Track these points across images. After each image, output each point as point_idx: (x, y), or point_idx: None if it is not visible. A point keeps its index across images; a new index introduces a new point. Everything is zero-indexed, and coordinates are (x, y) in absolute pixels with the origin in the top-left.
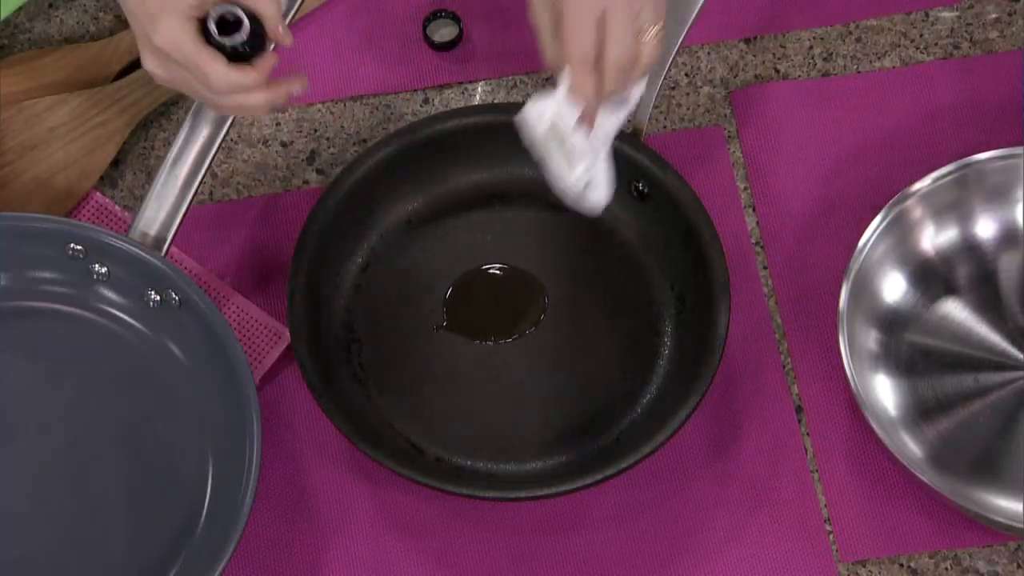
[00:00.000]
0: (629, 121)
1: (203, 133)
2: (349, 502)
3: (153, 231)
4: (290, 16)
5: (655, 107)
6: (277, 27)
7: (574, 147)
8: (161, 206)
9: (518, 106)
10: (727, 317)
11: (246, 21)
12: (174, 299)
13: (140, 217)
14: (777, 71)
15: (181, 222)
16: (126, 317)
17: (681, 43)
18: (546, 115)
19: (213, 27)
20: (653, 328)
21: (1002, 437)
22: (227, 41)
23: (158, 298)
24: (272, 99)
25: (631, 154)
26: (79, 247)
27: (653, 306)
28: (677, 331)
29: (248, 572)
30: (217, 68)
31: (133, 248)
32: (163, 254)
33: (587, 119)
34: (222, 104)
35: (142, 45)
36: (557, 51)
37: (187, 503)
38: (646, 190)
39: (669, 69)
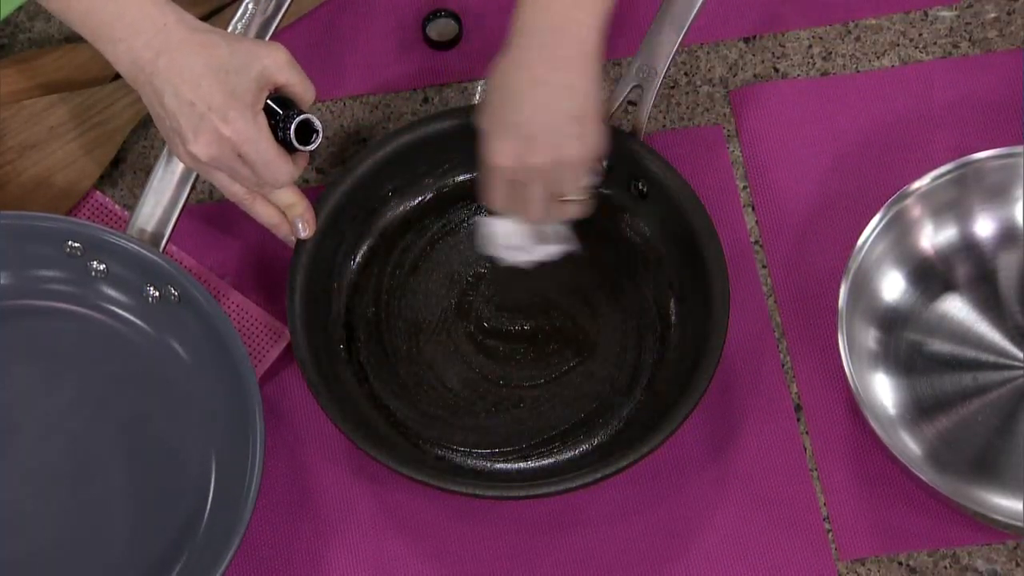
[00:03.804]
0: (628, 120)
1: None
2: (350, 500)
3: (150, 227)
4: (279, 16)
5: (655, 106)
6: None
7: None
8: (158, 202)
9: None
10: (726, 316)
11: (321, 132)
12: (173, 294)
13: (137, 214)
14: (776, 70)
15: (178, 218)
16: (127, 314)
17: (680, 43)
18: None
19: (292, 135)
20: (652, 327)
21: (1001, 436)
22: (303, 148)
23: (157, 293)
24: (298, 195)
25: (631, 153)
26: (76, 244)
27: (652, 305)
28: (676, 330)
29: (249, 570)
30: (289, 166)
31: (130, 244)
32: (160, 249)
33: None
34: (264, 192)
35: (196, 131)
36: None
37: (190, 500)
38: (645, 189)
39: (668, 68)
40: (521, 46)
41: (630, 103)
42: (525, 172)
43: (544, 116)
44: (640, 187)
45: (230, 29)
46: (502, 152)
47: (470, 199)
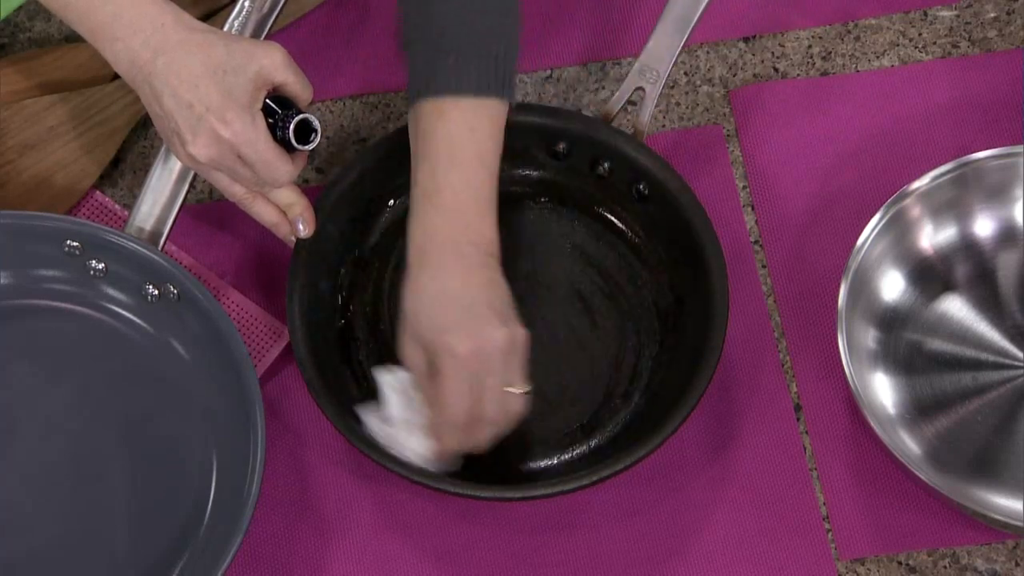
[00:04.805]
0: (629, 121)
1: None
2: (350, 501)
3: (149, 226)
4: (275, 14)
5: (654, 106)
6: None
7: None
8: (156, 200)
9: (517, 105)
10: (726, 316)
11: (320, 131)
12: (172, 292)
13: (135, 212)
14: (776, 70)
15: (177, 216)
16: (127, 314)
17: (684, 44)
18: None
19: (292, 135)
20: (652, 327)
21: (1000, 435)
22: (302, 147)
23: (156, 292)
24: (298, 194)
25: (631, 154)
26: (75, 243)
27: (651, 306)
28: (676, 330)
29: (250, 570)
30: (288, 166)
31: (129, 242)
32: (160, 248)
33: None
34: (264, 191)
35: (194, 132)
36: (432, 396)
37: (191, 500)
38: (646, 190)
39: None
40: (429, 265)
41: (630, 103)
42: (485, 357)
43: (488, 304)
44: (641, 189)
45: (227, 27)
46: (460, 341)
47: None
